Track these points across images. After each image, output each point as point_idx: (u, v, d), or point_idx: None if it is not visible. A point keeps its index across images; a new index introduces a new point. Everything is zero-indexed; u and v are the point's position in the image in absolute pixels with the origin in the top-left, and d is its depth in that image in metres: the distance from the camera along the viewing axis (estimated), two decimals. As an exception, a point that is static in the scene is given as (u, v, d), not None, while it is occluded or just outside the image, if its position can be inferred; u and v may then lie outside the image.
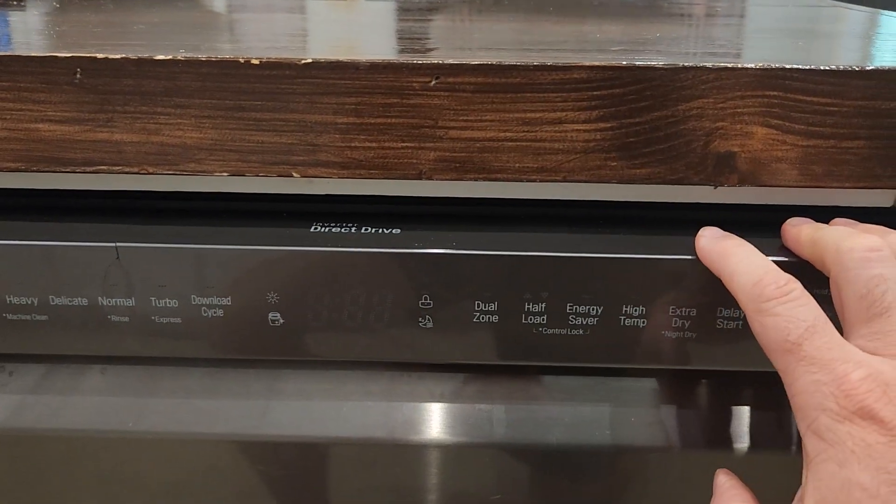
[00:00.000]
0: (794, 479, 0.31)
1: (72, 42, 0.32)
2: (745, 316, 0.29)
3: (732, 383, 0.32)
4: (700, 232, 0.29)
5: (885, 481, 0.21)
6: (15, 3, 0.50)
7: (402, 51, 0.32)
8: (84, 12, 0.45)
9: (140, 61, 0.28)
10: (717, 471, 0.28)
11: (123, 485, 0.33)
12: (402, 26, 0.41)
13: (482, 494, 0.32)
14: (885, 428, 0.21)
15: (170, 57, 0.28)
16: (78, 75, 0.28)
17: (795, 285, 0.25)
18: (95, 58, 0.28)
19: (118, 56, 0.28)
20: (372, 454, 0.31)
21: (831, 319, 0.24)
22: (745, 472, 0.31)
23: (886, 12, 0.52)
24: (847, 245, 0.25)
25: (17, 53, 0.28)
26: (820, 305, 0.24)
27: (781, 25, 0.45)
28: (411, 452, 0.32)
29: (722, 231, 0.29)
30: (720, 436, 0.32)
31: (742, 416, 0.32)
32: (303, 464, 0.32)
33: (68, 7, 0.48)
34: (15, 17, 0.43)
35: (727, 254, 0.27)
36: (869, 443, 0.22)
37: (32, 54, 0.28)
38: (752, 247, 0.27)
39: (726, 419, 0.32)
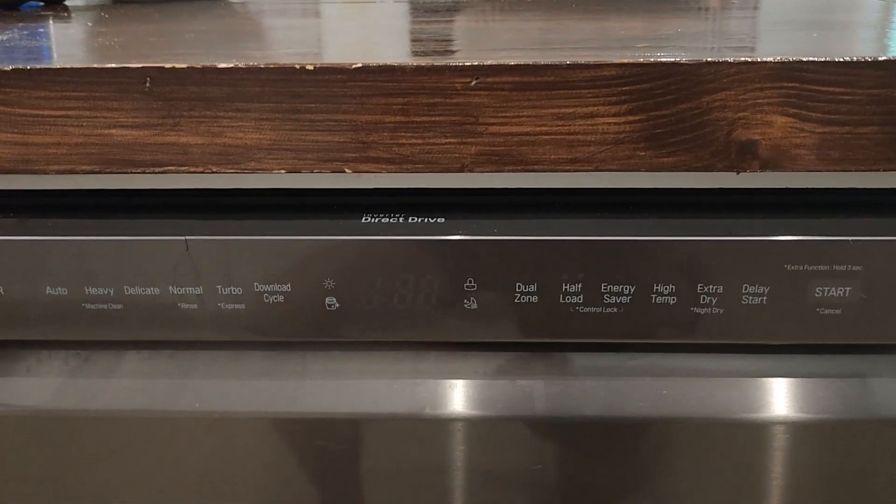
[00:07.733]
0: (830, 446, 0.33)
1: (135, 53, 0.35)
2: (769, 291, 0.31)
3: (759, 355, 0.34)
4: None
5: None
6: (65, 14, 0.53)
7: (441, 53, 0.34)
8: (132, 23, 0.47)
9: (204, 69, 0.30)
10: None
11: (190, 461, 0.36)
12: (435, 28, 0.43)
13: (525, 464, 0.34)
14: None
15: (232, 65, 0.30)
16: (148, 84, 0.31)
17: None
18: (163, 67, 0.30)
19: (184, 65, 0.30)
20: (424, 429, 0.34)
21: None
22: (782, 442, 0.33)
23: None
24: None
25: (91, 66, 0.31)
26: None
27: (797, 17, 0.47)
28: (458, 426, 0.34)
29: None
30: (751, 405, 0.34)
31: (773, 386, 0.34)
32: (362, 439, 0.34)
33: (117, 18, 0.51)
34: (73, 30, 0.45)
35: None
36: None
37: (106, 66, 0.31)
38: None
39: (754, 390, 0.34)
